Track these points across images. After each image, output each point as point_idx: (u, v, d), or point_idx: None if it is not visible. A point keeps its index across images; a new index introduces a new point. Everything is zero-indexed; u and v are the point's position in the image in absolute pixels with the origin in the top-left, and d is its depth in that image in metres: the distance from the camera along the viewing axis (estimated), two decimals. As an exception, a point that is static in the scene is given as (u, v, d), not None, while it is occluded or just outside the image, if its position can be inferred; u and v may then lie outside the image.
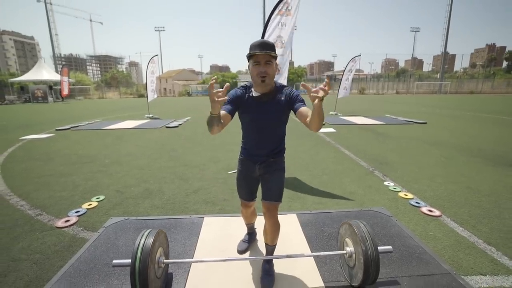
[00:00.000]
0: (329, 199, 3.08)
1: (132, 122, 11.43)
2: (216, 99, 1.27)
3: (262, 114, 1.53)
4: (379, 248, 1.72)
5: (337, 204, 2.95)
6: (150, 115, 13.83)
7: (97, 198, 3.23)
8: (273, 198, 1.76)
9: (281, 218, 2.43)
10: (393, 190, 3.33)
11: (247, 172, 1.82)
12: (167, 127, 9.40)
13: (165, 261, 1.84)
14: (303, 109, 1.48)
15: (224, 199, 3.20)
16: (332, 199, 3.08)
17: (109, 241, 2.19)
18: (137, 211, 2.94)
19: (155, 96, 13.21)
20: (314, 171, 4.07)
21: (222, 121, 1.39)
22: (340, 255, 1.99)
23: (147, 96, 12.87)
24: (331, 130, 7.99)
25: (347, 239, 1.97)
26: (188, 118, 11.13)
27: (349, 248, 1.91)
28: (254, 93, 1.48)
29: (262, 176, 1.82)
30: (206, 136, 7.00)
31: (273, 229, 1.85)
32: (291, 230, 2.55)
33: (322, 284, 1.89)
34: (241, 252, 2.09)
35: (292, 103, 1.50)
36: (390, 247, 1.78)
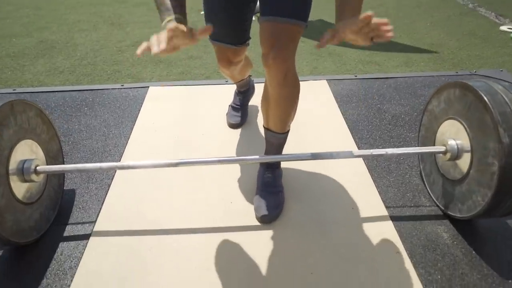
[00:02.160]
0: (389, 56, 2.90)
1: None
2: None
3: None
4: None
5: (405, 65, 2.75)
6: None
7: None
8: (286, 12, 1.19)
9: (303, 84, 2.31)
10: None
11: None
12: None
13: (40, 168, 1.29)
14: None
15: (191, 56, 3.00)
16: (393, 56, 2.89)
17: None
18: (23, 79, 2.71)
19: None
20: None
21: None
22: (428, 156, 1.54)
23: None
24: None
25: (450, 123, 1.40)
26: None
27: (458, 141, 1.36)
28: None
29: None
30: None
31: (285, 94, 1.30)
32: (320, 108, 2.16)
33: (385, 212, 1.47)
34: (233, 125, 2.00)
35: None
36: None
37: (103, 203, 1.48)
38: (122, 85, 2.39)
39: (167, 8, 1.01)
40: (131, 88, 2.37)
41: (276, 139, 1.45)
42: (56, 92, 2.34)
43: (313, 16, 3.83)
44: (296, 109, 1.37)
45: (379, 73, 2.60)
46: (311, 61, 2.76)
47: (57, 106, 2.17)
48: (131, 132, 1.93)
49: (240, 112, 1.99)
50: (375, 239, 1.33)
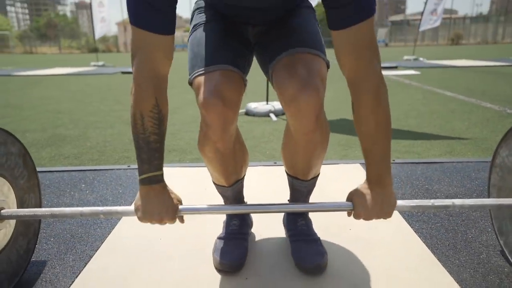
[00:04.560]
0: (430, 146, 2.81)
1: (65, 69, 11.63)
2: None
3: None
4: None
5: (450, 154, 2.64)
6: (100, 63, 13.72)
7: None
8: (304, 44, 1.12)
9: (335, 167, 2.26)
10: None
11: (226, 25, 1.23)
12: (124, 72, 10.13)
13: (5, 212, 1.09)
14: (351, 39, 0.98)
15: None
16: (434, 146, 2.80)
17: None
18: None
19: (106, 29, 12.75)
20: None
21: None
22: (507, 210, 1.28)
23: (93, 31, 12.45)
24: (412, 72, 8.86)
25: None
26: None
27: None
28: None
29: (261, 38, 1.26)
30: (183, 77, 7.77)
31: (318, 139, 1.13)
32: (353, 183, 1.89)
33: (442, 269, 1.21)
34: (234, 267, 1.26)
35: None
36: None
37: (77, 276, 1.21)
38: (129, 166, 2.28)
39: (149, 159, 1.03)
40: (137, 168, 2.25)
41: (305, 187, 1.28)
42: (55, 172, 2.23)
43: (335, 115, 3.91)
44: (323, 153, 1.19)
45: (421, 158, 2.44)
46: (339, 151, 2.63)
47: (52, 183, 2.04)
48: (130, 205, 1.73)
49: (238, 243, 1.33)
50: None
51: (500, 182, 1.29)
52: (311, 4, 1.28)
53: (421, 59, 13.37)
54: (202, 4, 1.27)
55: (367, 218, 1.05)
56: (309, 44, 1.11)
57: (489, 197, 1.37)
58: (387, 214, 1.04)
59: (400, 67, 9.93)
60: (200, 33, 1.18)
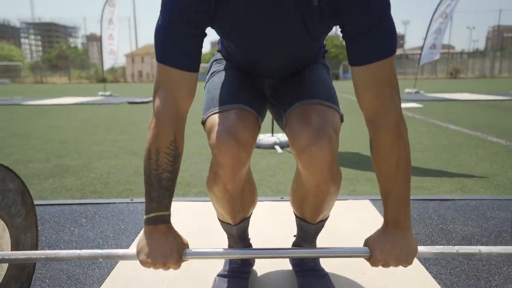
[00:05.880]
0: (440, 181, 2.71)
1: (73, 98, 11.68)
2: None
3: (263, 36, 1.03)
4: None
5: (461, 190, 2.54)
6: (107, 93, 13.82)
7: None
8: (316, 96, 1.11)
9: (344, 204, 2.16)
10: None
11: (243, 74, 1.23)
12: (130, 102, 10.19)
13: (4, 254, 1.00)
14: (372, 75, 0.94)
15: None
16: (445, 182, 2.70)
17: None
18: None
19: (115, 61, 12.93)
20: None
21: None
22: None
23: (102, 62, 12.63)
24: (414, 105, 8.88)
25: None
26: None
27: None
28: None
29: (275, 91, 1.26)
30: (193, 107, 7.44)
31: (330, 189, 1.08)
32: (369, 229, 1.75)
33: None
34: None
35: (352, 32, 0.92)
36: None
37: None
38: (132, 199, 2.19)
39: (159, 198, 0.98)
40: (140, 202, 2.16)
41: (313, 229, 1.24)
42: (55, 205, 2.14)
43: (342, 148, 3.84)
44: (334, 198, 1.14)
45: (432, 195, 2.33)
46: (347, 185, 2.54)
47: (51, 218, 1.94)
48: (131, 244, 1.64)
49: (238, 283, 1.27)
50: None
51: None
52: (325, 62, 1.30)
53: (421, 92, 13.45)
54: (220, 56, 1.29)
55: (386, 265, 0.96)
56: (323, 97, 1.09)
57: (513, 240, 1.27)
58: (407, 262, 0.95)
59: (402, 99, 9.92)
60: (218, 78, 1.19)
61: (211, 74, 1.24)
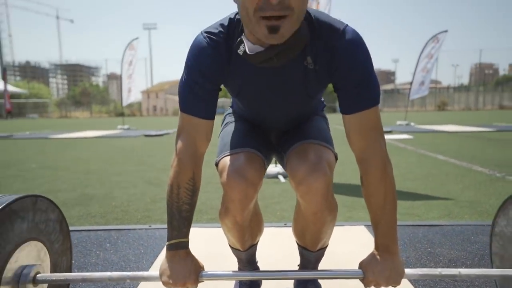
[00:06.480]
0: (429, 208, 2.73)
1: (95, 132, 11.84)
2: None
3: (268, 96, 1.10)
4: None
5: (448, 216, 2.56)
6: (125, 127, 13.99)
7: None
8: (313, 138, 1.19)
9: (341, 229, 2.16)
10: None
11: (252, 125, 1.31)
12: (146, 135, 10.31)
13: (40, 276, 1.06)
14: (360, 122, 1.02)
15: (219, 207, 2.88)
16: (433, 208, 2.72)
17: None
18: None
19: (133, 98, 13.22)
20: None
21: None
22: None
23: (121, 98, 12.92)
24: (405, 136, 8.86)
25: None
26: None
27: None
28: (249, 48, 0.94)
29: (281, 139, 1.34)
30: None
31: (327, 218, 1.13)
32: (363, 252, 1.77)
33: None
34: None
35: (343, 88, 1.01)
36: None
37: None
38: (150, 226, 2.25)
39: (179, 226, 1.03)
40: (158, 228, 2.21)
41: (313, 257, 1.27)
42: (83, 231, 2.20)
43: (339, 178, 3.88)
44: (331, 226, 1.20)
45: (421, 221, 2.36)
46: (344, 212, 2.58)
47: (79, 242, 2.00)
48: (150, 266, 1.68)
49: None
50: None
51: (501, 250, 1.24)
52: (324, 114, 1.39)
53: (412, 124, 13.52)
54: (232, 111, 1.40)
55: (378, 285, 1.01)
56: (320, 139, 1.18)
57: (492, 265, 1.31)
58: (396, 283, 1.00)
59: (394, 131, 10.02)
60: (230, 127, 1.28)
61: (225, 124, 1.33)
